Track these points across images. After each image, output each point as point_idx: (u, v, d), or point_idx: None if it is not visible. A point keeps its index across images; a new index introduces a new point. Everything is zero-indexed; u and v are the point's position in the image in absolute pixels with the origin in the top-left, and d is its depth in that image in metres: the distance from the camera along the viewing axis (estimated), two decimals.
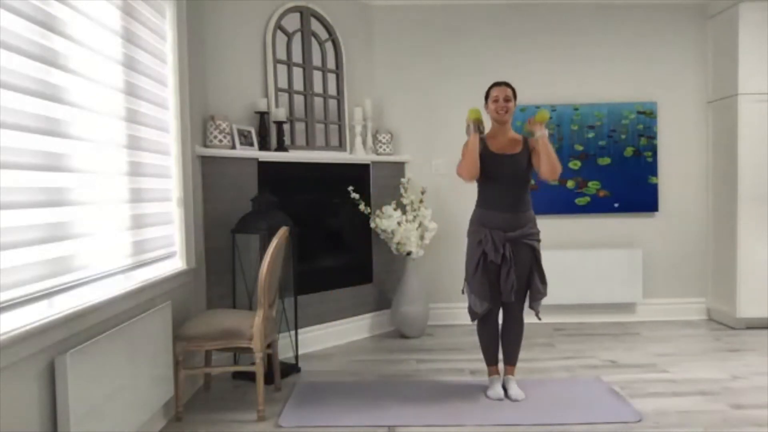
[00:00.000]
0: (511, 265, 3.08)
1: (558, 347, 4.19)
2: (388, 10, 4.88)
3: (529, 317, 3.25)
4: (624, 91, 4.91)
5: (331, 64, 4.48)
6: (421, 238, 4.49)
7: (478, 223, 3.19)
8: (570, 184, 4.90)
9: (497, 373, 3.28)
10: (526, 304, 3.22)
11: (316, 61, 4.38)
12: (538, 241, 3.18)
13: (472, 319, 3.23)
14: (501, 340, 3.28)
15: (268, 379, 3.31)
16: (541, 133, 3.07)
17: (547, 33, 4.92)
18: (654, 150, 4.88)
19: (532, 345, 4.22)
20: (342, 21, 4.55)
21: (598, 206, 4.91)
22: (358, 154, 4.56)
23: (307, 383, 3.48)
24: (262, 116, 3.96)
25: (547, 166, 3.06)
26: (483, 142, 3.19)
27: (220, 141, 3.68)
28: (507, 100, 3.20)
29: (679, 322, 4.86)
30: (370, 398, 3.19)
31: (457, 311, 4.57)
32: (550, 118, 3.16)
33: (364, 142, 4.62)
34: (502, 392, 3.18)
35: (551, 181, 3.24)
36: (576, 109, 4.87)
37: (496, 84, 3.26)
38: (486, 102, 3.27)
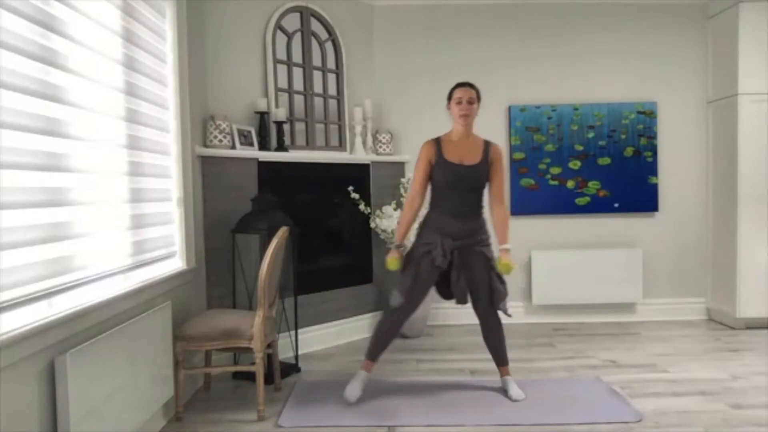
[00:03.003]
0: (461, 271, 3.08)
1: (558, 347, 4.19)
2: (388, 10, 4.88)
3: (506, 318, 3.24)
4: (624, 91, 4.91)
5: (331, 64, 4.48)
6: None
7: (429, 227, 3.14)
8: (570, 184, 4.90)
9: (370, 370, 3.21)
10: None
11: (316, 61, 4.39)
12: (488, 245, 3.15)
13: (384, 312, 3.20)
14: (486, 345, 3.28)
15: (268, 379, 3.31)
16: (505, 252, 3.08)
17: (547, 33, 4.93)
18: (654, 150, 4.88)
19: (532, 345, 4.22)
20: (342, 21, 4.56)
21: (598, 206, 4.91)
22: (358, 154, 4.56)
23: (307, 383, 3.48)
24: (262, 116, 3.96)
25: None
26: (439, 147, 3.11)
27: (220, 141, 3.67)
28: (470, 102, 3.10)
29: (679, 322, 4.86)
30: (370, 398, 3.19)
31: (457, 311, 4.55)
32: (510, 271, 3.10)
33: (364, 142, 4.62)
34: (358, 392, 3.12)
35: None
36: (576, 109, 4.87)
37: (460, 85, 3.16)
38: (448, 102, 3.18)
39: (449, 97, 3.18)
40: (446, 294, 3.25)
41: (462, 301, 3.16)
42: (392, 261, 3.12)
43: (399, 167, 4.82)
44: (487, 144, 3.16)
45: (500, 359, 3.27)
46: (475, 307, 3.21)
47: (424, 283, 3.12)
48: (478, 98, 3.15)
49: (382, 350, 3.23)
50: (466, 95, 3.10)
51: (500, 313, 3.20)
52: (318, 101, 4.39)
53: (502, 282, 3.16)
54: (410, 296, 3.11)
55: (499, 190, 3.16)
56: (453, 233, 3.07)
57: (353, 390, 3.13)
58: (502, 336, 3.26)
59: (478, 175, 3.10)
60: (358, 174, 4.51)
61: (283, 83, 4.17)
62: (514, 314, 4.85)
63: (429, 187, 3.21)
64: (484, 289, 3.13)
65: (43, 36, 1.98)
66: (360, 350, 4.21)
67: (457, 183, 3.08)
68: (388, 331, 3.20)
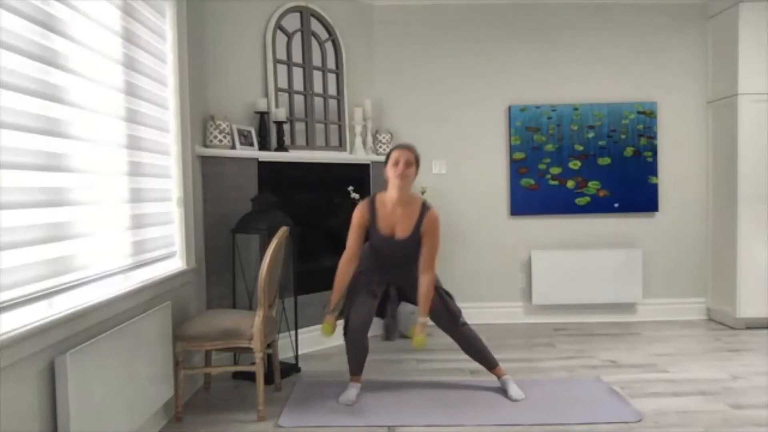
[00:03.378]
0: (396, 303, 3.22)
1: (558, 347, 4.19)
2: (388, 10, 4.88)
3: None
4: (624, 91, 4.91)
5: (331, 64, 4.48)
6: None
7: (369, 261, 3.18)
8: (570, 184, 4.90)
9: (359, 382, 3.26)
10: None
11: (316, 61, 4.38)
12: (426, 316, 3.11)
13: (345, 333, 3.20)
14: (469, 355, 3.30)
15: (268, 379, 3.31)
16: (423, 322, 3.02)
17: (548, 33, 4.92)
18: (654, 150, 4.88)
19: (532, 345, 4.22)
20: (342, 21, 4.55)
21: (598, 206, 4.91)
22: (358, 154, 4.56)
23: (307, 383, 3.48)
24: (262, 116, 3.96)
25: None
26: (373, 212, 3.07)
27: (220, 141, 3.67)
28: (408, 164, 2.97)
29: (679, 322, 4.86)
30: (370, 398, 3.19)
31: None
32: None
33: (364, 142, 4.62)
34: (353, 398, 3.15)
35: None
36: (576, 109, 4.87)
37: (398, 147, 3.05)
38: (385, 164, 3.05)
39: (386, 158, 3.04)
40: (379, 312, 3.31)
41: (382, 315, 3.28)
42: (326, 326, 3.03)
43: None
44: (422, 213, 3.03)
45: (488, 364, 3.29)
46: (441, 328, 3.27)
47: (365, 307, 3.16)
48: (417, 162, 3.03)
49: (360, 363, 3.26)
50: (403, 157, 2.97)
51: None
52: (318, 101, 4.39)
53: (452, 299, 3.24)
54: (352, 319, 3.15)
55: (429, 258, 3.03)
56: (387, 277, 3.19)
57: (348, 396, 3.16)
58: (479, 343, 3.27)
59: (410, 247, 3.06)
60: (358, 174, 4.51)
61: (283, 83, 4.17)
62: (514, 314, 4.91)
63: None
64: (442, 314, 3.19)
65: (43, 36, 1.98)
66: None
67: (387, 253, 3.13)
68: (351, 348, 3.23)
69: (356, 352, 3.24)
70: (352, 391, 3.20)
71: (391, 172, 2.99)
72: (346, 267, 3.11)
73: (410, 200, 3.07)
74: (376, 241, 3.11)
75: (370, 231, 3.12)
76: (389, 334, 3.21)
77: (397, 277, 3.20)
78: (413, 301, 3.16)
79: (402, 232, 3.04)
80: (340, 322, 3.16)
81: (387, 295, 3.23)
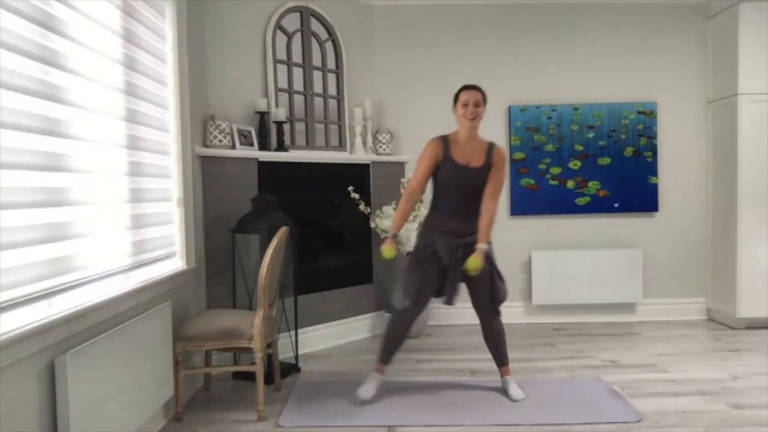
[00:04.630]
0: (458, 270, 3.06)
1: (558, 347, 4.19)
2: (388, 10, 4.88)
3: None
4: (624, 91, 4.91)
5: (331, 64, 4.48)
6: None
7: (431, 227, 3.16)
8: (570, 184, 4.90)
9: (382, 372, 3.24)
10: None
11: (316, 61, 4.38)
12: (489, 243, 3.12)
13: (386, 311, 3.17)
14: (487, 345, 3.28)
15: (268, 379, 3.31)
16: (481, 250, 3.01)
17: (547, 33, 4.92)
18: (654, 150, 4.88)
19: (532, 345, 4.22)
20: (342, 21, 4.55)
21: (598, 206, 4.91)
22: (358, 154, 4.56)
23: (307, 383, 3.48)
24: (262, 116, 3.96)
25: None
26: (446, 146, 3.11)
27: (220, 141, 3.67)
28: (477, 104, 3.08)
29: (679, 322, 4.86)
30: (370, 398, 3.19)
31: (457, 311, 4.55)
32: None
33: (364, 142, 4.62)
34: (372, 393, 3.14)
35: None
36: (576, 109, 4.87)
37: (466, 87, 3.15)
38: (455, 105, 3.17)
39: (455, 100, 3.16)
40: (437, 292, 3.23)
41: (450, 302, 3.12)
42: (388, 249, 3.06)
43: (399, 167, 4.82)
44: (490, 147, 3.15)
45: (500, 360, 3.27)
46: (476, 307, 3.21)
47: (431, 284, 3.12)
48: (484, 100, 3.14)
49: (392, 353, 3.24)
50: (472, 98, 3.09)
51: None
52: (318, 101, 4.39)
53: (503, 281, 3.17)
54: (417, 298, 3.12)
55: (496, 188, 3.12)
56: (454, 231, 3.08)
57: (367, 390, 3.15)
58: (503, 336, 3.26)
59: (481, 176, 3.10)
60: (358, 174, 4.51)
61: (283, 83, 4.17)
62: (514, 314, 4.90)
63: (429, 186, 3.21)
64: (485, 288, 3.13)
65: (43, 36, 1.98)
66: (360, 350, 4.22)
67: (461, 184, 3.09)
68: (396, 334, 3.21)
69: (395, 337, 3.20)
70: (371, 385, 3.17)
71: (461, 113, 3.10)
72: (409, 199, 3.13)
73: (478, 138, 3.17)
74: (450, 173, 3.09)
75: (441, 167, 3.10)
76: (451, 298, 3.13)
77: (462, 230, 3.08)
78: (470, 280, 3.09)
79: (475, 162, 3.10)
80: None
81: (455, 263, 3.09)
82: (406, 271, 3.18)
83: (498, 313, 3.22)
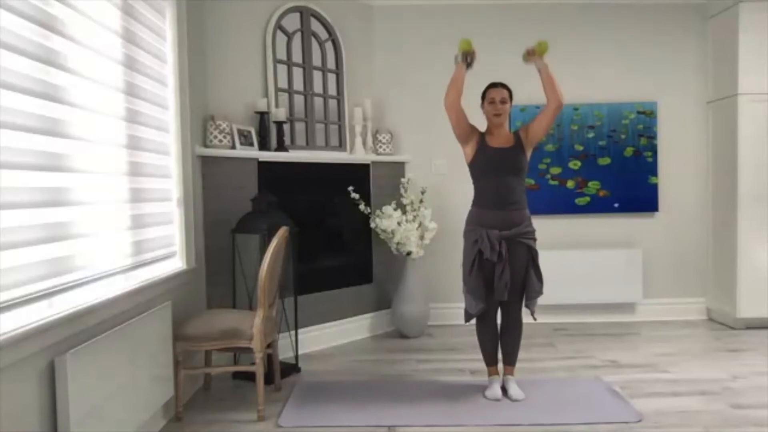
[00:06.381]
0: (505, 264, 3.05)
1: (558, 347, 4.19)
2: (388, 10, 4.88)
3: (526, 317, 3.25)
4: (624, 91, 4.91)
5: (331, 64, 4.48)
6: (421, 238, 4.49)
7: (473, 222, 3.18)
8: (570, 184, 4.90)
9: (497, 373, 3.28)
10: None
11: (316, 61, 4.38)
12: (534, 239, 3.16)
13: (466, 320, 3.21)
14: (500, 341, 3.28)
15: (268, 379, 3.31)
16: (543, 64, 3.20)
17: (547, 33, 4.90)
18: (654, 150, 4.88)
19: (532, 345, 4.22)
20: (342, 21, 4.55)
21: (598, 206, 4.91)
22: (358, 154, 4.56)
23: (307, 383, 3.48)
24: (262, 116, 3.96)
25: (553, 93, 3.16)
26: (482, 138, 3.20)
27: (220, 141, 3.67)
28: (503, 101, 3.21)
29: (679, 322, 4.86)
30: (370, 398, 3.19)
31: (457, 311, 4.56)
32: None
33: (364, 142, 4.62)
34: (500, 393, 3.18)
35: (558, 110, 3.19)
36: (576, 109, 4.87)
37: (493, 85, 3.27)
38: (482, 102, 3.27)
39: (483, 97, 3.27)
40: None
41: (502, 296, 3.09)
42: (464, 42, 3.32)
43: (399, 167, 4.82)
44: (516, 133, 3.26)
45: (510, 358, 3.27)
46: (502, 298, 3.14)
47: (488, 279, 3.12)
48: (510, 97, 3.25)
49: (493, 353, 3.27)
50: (498, 95, 3.21)
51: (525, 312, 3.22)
52: (318, 101, 4.39)
53: (540, 281, 3.16)
54: (486, 297, 3.12)
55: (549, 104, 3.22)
56: (497, 225, 3.08)
57: (492, 392, 3.17)
58: (520, 334, 3.26)
59: (518, 156, 3.16)
60: (358, 174, 4.51)
61: (283, 83, 4.17)
62: None
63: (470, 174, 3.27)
64: (518, 281, 3.12)
65: (43, 36, 1.98)
66: (360, 350, 4.22)
67: (497, 165, 3.12)
68: (486, 337, 3.25)
69: (487, 339, 3.23)
70: (495, 387, 3.19)
71: (488, 110, 3.23)
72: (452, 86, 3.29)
73: (505, 130, 3.30)
74: (486, 156, 3.14)
75: (477, 153, 3.17)
76: (501, 293, 3.18)
77: (506, 222, 3.07)
78: (516, 272, 3.10)
79: (507, 144, 3.19)
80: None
81: (500, 258, 3.07)
82: (465, 276, 3.17)
83: (520, 311, 3.21)
